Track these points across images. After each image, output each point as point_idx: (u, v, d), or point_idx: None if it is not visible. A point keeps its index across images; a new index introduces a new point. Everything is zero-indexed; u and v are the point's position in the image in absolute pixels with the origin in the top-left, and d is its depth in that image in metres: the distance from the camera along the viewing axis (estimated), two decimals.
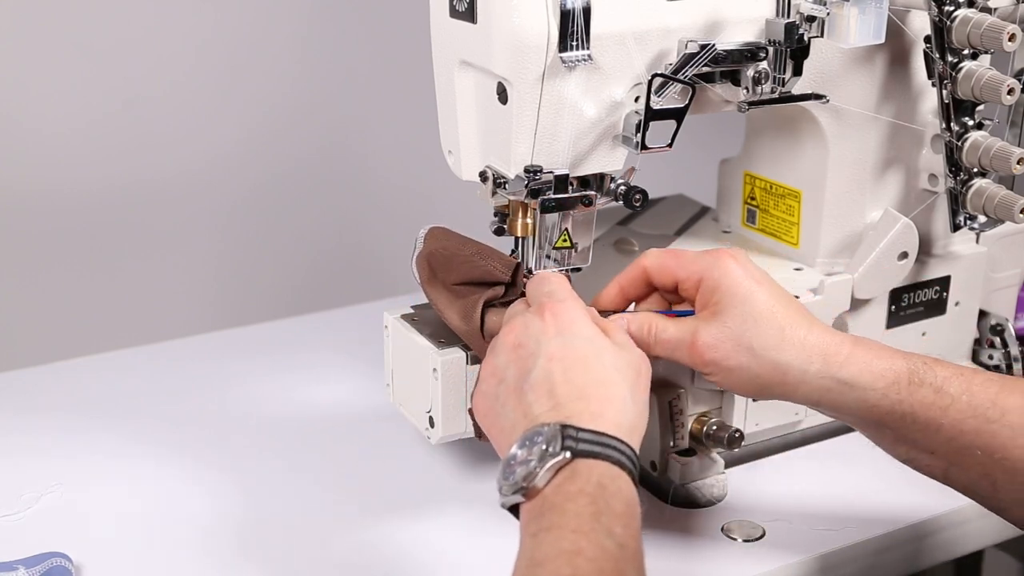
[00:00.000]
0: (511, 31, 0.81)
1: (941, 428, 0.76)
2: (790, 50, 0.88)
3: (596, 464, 0.68)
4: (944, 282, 1.05)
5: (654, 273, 0.85)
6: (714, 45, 0.86)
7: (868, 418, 0.79)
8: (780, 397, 0.80)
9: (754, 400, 0.85)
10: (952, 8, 0.90)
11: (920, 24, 0.94)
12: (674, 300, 0.86)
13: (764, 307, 0.79)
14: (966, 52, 0.91)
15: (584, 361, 0.74)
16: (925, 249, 1.03)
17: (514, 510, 0.71)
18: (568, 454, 0.68)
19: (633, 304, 0.87)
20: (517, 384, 0.74)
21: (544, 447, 0.68)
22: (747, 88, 0.89)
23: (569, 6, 0.80)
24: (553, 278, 0.81)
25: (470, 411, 0.85)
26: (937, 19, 0.90)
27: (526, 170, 0.85)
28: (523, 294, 0.87)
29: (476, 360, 0.88)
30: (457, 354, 0.88)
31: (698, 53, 0.85)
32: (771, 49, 0.88)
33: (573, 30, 0.81)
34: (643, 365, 0.77)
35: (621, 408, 0.73)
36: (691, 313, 0.83)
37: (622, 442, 0.70)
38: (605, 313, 0.85)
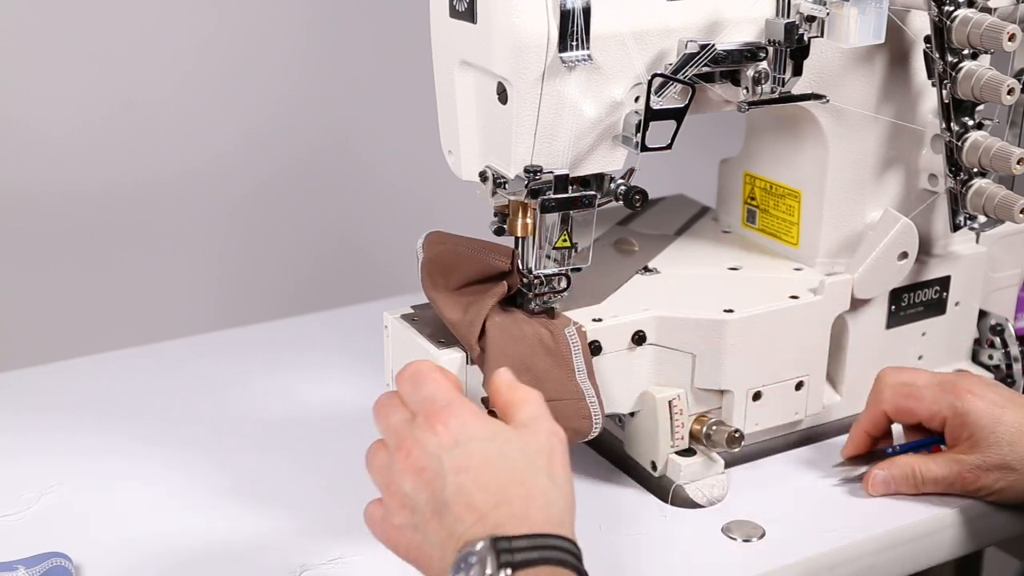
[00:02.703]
0: (511, 31, 0.81)
1: None
2: (790, 50, 0.88)
3: (538, 572, 0.65)
4: (944, 282, 1.05)
5: (894, 415, 0.92)
6: (714, 45, 0.86)
7: None
8: None
9: None
10: (952, 8, 0.90)
11: (920, 24, 0.94)
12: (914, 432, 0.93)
13: (1013, 429, 0.85)
14: (966, 52, 0.91)
15: (492, 463, 0.70)
16: (925, 249, 1.03)
17: None
18: (508, 571, 0.65)
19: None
20: (434, 508, 0.70)
21: (481, 569, 0.65)
22: (747, 88, 0.89)
23: (569, 6, 0.80)
24: (428, 375, 0.74)
25: None
26: (937, 19, 0.90)
27: (526, 170, 0.85)
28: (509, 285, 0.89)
29: (474, 361, 0.88)
30: (457, 354, 0.88)
31: (698, 53, 0.85)
32: (771, 49, 0.88)
33: (573, 30, 0.81)
34: (555, 441, 0.72)
35: (545, 501, 0.69)
36: (930, 442, 0.92)
37: (557, 537, 0.67)
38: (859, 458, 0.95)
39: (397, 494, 0.72)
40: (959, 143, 0.93)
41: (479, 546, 0.66)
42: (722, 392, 0.94)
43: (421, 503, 0.70)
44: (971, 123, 0.93)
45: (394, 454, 0.72)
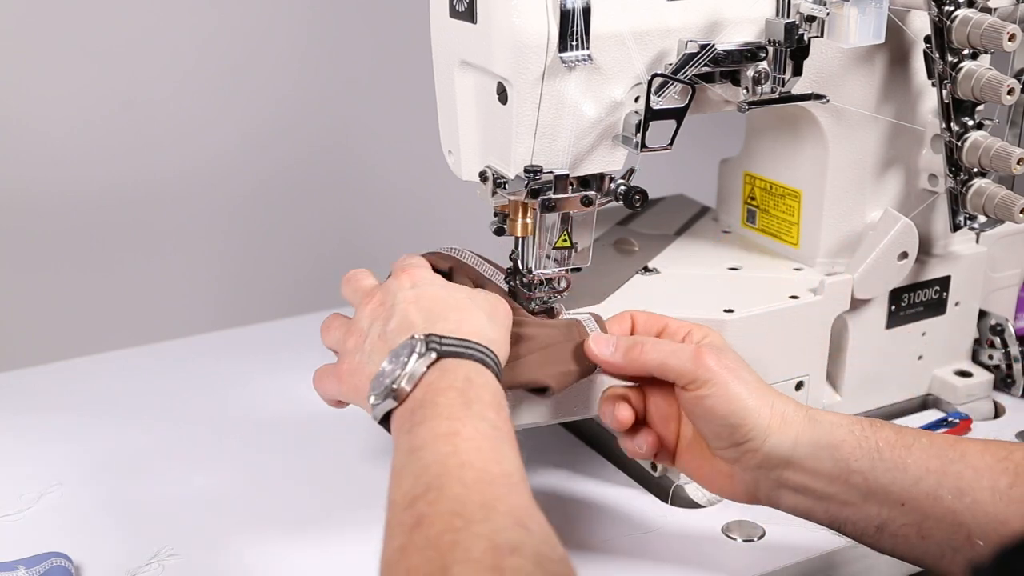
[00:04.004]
0: (511, 31, 0.81)
1: (907, 468, 0.75)
2: (790, 50, 0.88)
3: (462, 363, 0.73)
4: (944, 282, 1.05)
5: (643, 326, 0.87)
6: (714, 45, 0.86)
7: (838, 461, 0.76)
8: (754, 438, 0.77)
9: (722, 453, 0.80)
10: (952, 8, 0.90)
11: (920, 24, 0.94)
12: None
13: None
14: (966, 52, 0.91)
15: (439, 297, 0.79)
16: (925, 249, 1.03)
17: (386, 425, 0.74)
18: (434, 354, 0.73)
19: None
20: (381, 332, 0.78)
21: (410, 352, 0.73)
22: (747, 88, 0.89)
23: (569, 6, 0.80)
24: (411, 258, 0.86)
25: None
26: (937, 19, 0.90)
27: (526, 170, 0.85)
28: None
29: None
30: None
31: (698, 53, 0.85)
32: (771, 49, 0.88)
33: (573, 30, 0.81)
34: (500, 304, 0.82)
35: (479, 325, 0.78)
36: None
37: (484, 346, 0.75)
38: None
39: (355, 331, 0.81)
40: (959, 143, 0.93)
41: (412, 337, 0.74)
42: None
43: (373, 330, 0.79)
44: (971, 123, 0.93)
45: (361, 302, 0.82)
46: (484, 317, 0.79)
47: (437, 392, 0.71)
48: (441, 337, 0.74)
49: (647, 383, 0.84)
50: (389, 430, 0.74)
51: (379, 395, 0.73)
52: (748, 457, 0.78)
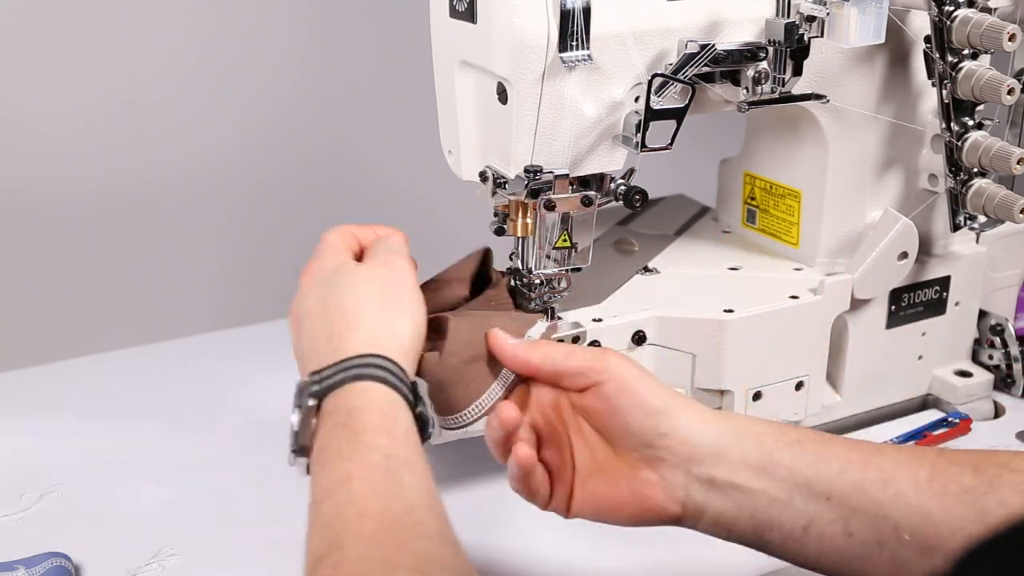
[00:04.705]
0: (511, 31, 0.81)
1: (830, 459, 0.74)
2: (790, 50, 0.88)
3: (340, 393, 0.73)
4: (944, 282, 1.05)
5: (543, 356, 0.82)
6: (714, 45, 0.86)
7: (762, 452, 0.75)
8: (678, 427, 0.75)
9: (645, 451, 0.75)
10: (952, 8, 0.90)
11: (920, 24, 0.94)
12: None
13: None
14: (966, 52, 0.91)
15: (325, 309, 0.79)
16: (925, 249, 1.03)
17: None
18: (312, 401, 0.73)
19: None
20: (297, 333, 0.82)
21: (298, 402, 0.74)
22: (747, 88, 0.89)
23: (569, 6, 0.80)
24: (323, 239, 0.86)
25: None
26: (937, 19, 0.90)
27: (526, 170, 0.85)
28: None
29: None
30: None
31: (698, 53, 0.85)
32: (771, 49, 0.88)
33: (573, 30, 0.81)
34: (387, 272, 0.81)
35: (366, 326, 0.77)
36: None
37: (363, 356, 0.74)
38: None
39: (295, 304, 0.84)
40: (959, 143, 0.93)
41: (298, 385, 0.75)
42: (722, 392, 0.94)
43: (299, 323, 0.82)
44: (971, 123, 0.93)
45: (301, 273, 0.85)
46: (373, 306, 0.78)
47: (328, 436, 0.71)
48: (321, 372, 0.74)
49: (538, 422, 0.81)
50: None
51: (294, 453, 0.74)
52: (675, 450, 0.75)
